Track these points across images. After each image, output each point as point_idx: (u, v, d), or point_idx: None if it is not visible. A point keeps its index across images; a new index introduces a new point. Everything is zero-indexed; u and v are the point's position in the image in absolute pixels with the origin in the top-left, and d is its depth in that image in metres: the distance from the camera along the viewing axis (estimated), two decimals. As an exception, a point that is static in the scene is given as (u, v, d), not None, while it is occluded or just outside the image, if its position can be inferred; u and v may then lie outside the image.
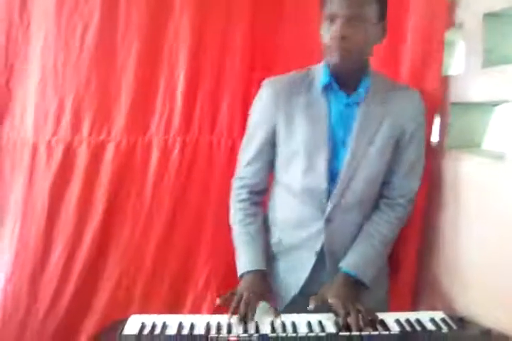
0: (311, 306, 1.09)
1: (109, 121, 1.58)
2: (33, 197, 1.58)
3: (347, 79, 1.18)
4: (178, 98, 1.57)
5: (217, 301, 1.12)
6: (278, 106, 1.20)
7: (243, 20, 1.55)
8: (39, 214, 1.57)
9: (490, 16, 1.17)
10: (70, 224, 1.57)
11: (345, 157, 1.18)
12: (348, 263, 1.18)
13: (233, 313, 1.06)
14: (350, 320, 1.03)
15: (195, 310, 1.61)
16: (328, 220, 1.20)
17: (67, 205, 1.58)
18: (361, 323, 1.01)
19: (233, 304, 1.08)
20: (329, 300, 1.10)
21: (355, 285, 1.16)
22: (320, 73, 1.20)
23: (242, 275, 1.19)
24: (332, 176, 1.19)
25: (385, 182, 1.25)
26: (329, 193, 1.19)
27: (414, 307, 1.43)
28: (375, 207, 1.27)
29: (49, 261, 1.58)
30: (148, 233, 1.59)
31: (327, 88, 1.18)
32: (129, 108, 1.57)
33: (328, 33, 1.11)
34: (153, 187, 1.58)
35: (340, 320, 1.04)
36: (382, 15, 1.14)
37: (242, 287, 1.15)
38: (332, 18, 1.10)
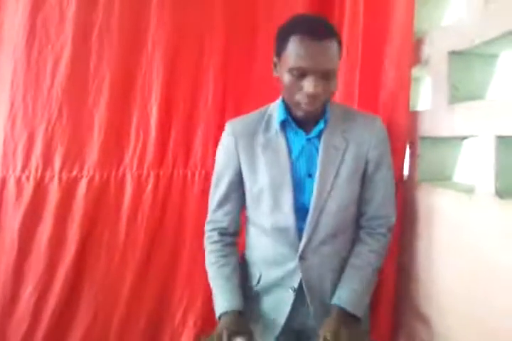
0: None
1: (81, 155, 1.57)
2: (2, 235, 1.53)
3: (306, 119, 1.17)
4: (151, 132, 1.57)
5: None
6: (239, 149, 1.21)
7: (216, 54, 1.57)
8: (8, 252, 1.53)
9: (455, 54, 1.21)
10: (42, 263, 1.54)
11: (313, 192, 1.17)
12: (341, 299, 1.17)
13: None
14: None
15: (172, 346, 1.58)
16: (302, 258, 1.19)
17: (38, 243, 1.54)
18: None
19: None
20: (325, 336, 1.08)
21: (349, 319, 1.15)
22: (277, 110, 1.20)
23: (219, 317, 1.17)
24: (301, 212, 1.18)
25: (362, 213, 1.26)
26: (300, 230, 1.19)
27: (394, 337, 1.44)
28: (357, 238, 1.26)
29: (19, 301, 1.54)
30: (123, 269, 1.57)
31: (285, 125, 1.19)
32: (101, 142, 1.56)
33: (296, 87, 1.08)
34: (128, 223, 1.56)
35: None
36: (341, 53, 1.13)
37: (219, 327, 1.13)
38: (301, 73, 1.06)
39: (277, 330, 1.24)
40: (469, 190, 1.13)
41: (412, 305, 1.36)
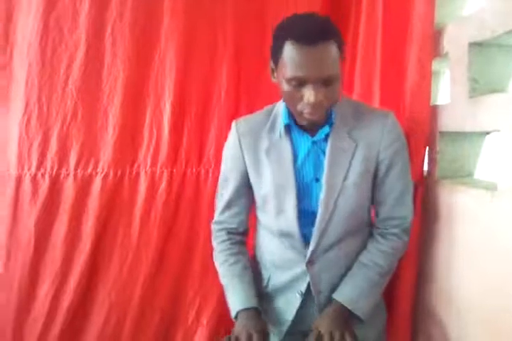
0: None
1: (95, 153, 1.56)
2: (18, 233, 1.54)
3: (311, 126, 1.13)
4: (164, 129, 1.56)
5: None
6: (244, 151, 1.18)
7: (228, 51, 1.55)
8: (24, 250, 1.53)
9: (475, 46, 1.16)
10: (58, 260, 1.54)
11: (320, 197, 1.13)
12: (342, 295, 1.14)
13: None
14: None
15: (186, 345, 1.58)
16: (311, 262, 1.17)
17: (54, 241, 1.54)
18: None
19: None
20: (320, 330, 1.07)
21: (348, 318, 1.12)
22: (281, 113, 1.15)
23: (236, 316, 1.15)
24: (309, 217, 1.15)
25: (376, 214, 1.22)
26: (307, 235, 1.16)
27: (412, 338, 1.40)
28: (370, 237, 1.22)
29: (35, 299, 1.54)
30: (137, 267, 1.56)
31: (290, 127, 1.15)
32: (115, 140, 1.55)
33: (296, 97, 1.02)
34: (141, 221, 1.55)
35: None
36: (343, 54, 1.05)
37: (237, 327, 1.11)
38: (299, 83, 1.00)
39: (283, 333, 1.22)
40: (491, 188, 1.09)
41: (430, 308, 1.32)
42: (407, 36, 1.32)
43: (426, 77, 1.25)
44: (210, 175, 1.58)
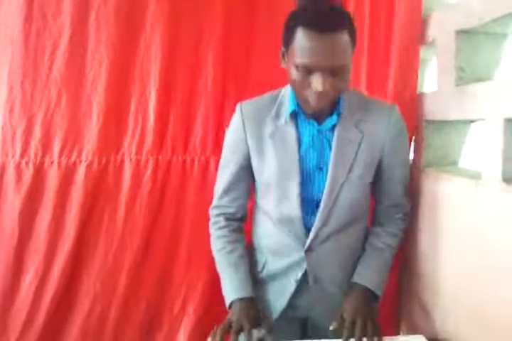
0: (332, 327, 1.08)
1: (80, 140, 1.53)
2: (2, 221, 1.51)
3: (316, 114, 1.13)
4: (150, 117, 1.53)
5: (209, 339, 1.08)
6: (247, 134, 1.18)
7: (215, 38, 1.51)
8: (8, 238, 1.51)
9: (462, 33, 1.16)
10: (42, 249, 1.51)
11: (325, 186, 1.14)
12: (361, 276, 1.17)
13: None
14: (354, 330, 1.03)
15: (171, 335, 1.57)
16: (309, 250, 1.17)
17: (38, 229, 1.52)
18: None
19: (220, 330, 1.06)
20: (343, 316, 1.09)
21: (369, 296, 1.15)
22: (288, 99, 1.15)
23: (230, 305, 1.15)
24: (309, 204, 1.15)
25: (379, 202, 1.25)
26: (306, 222, 1.16)
27: (396, 329, 1.41)
28: (374, 222, 1.27)
29: (19, 289, 1.52)
30: (122, 256, 1.54)
31: (296, 114, 1.14)
32: (100, 127, 1.52)
33: (303, 83, 1.02)
34: (126, 209, 1.53)
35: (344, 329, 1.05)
36: (354, 45, 1.05)
37: (231, 316, 1.12)
38: (308, 70, 1.00)
39: (274, 319, 1.22)
40: (475, 176, 1.09)
41: (416, 296, 1.33)
42: (394, 23, 1.31)
43: (413, 65, 1.26)
44: (196, 163, 1.56)
